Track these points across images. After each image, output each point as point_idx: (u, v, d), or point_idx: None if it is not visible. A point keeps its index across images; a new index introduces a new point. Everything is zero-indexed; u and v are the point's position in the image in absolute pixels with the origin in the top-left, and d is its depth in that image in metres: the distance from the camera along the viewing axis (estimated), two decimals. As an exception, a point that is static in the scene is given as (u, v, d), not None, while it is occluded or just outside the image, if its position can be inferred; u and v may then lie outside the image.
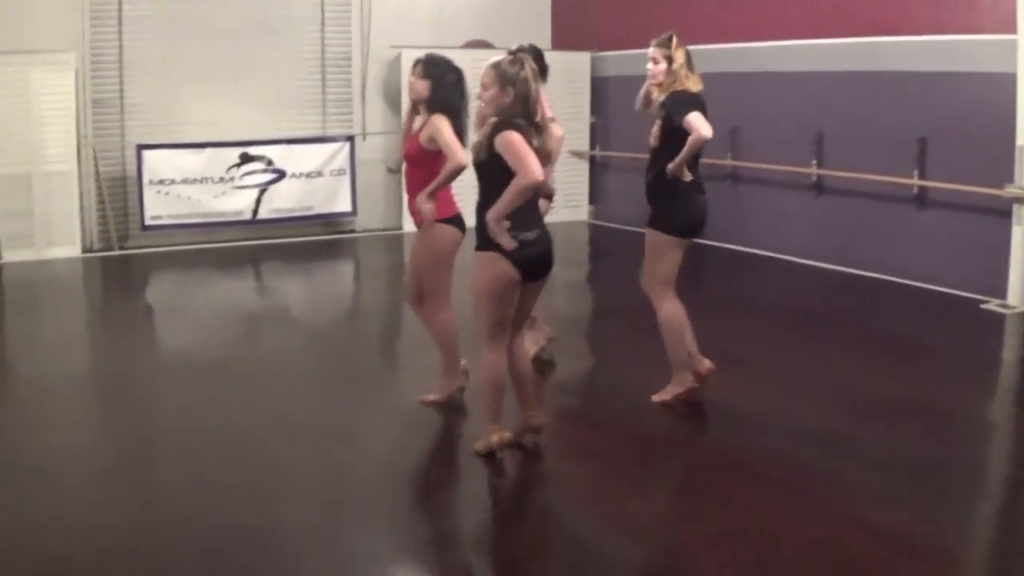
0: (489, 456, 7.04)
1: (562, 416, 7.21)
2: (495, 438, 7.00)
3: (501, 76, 6.55)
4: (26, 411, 8.24)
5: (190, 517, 6.15)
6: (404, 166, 8.07)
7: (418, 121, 7.99)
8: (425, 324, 8.16)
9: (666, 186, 7.95)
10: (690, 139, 7.72)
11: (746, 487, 6.68)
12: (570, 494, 6.70)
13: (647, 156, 8.21)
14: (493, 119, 6.60)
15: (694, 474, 7.13)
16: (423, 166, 7.82)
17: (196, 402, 8.36)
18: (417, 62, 8.02)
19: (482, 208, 6.68)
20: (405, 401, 8.38)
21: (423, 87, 7.86)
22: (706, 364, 8.20)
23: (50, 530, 5.95)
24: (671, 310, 8.05)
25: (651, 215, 8.07)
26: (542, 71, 9.07)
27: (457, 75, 8.00)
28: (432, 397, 8.14)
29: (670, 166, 7.79)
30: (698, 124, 7.74)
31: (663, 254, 8.02)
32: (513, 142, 6.46)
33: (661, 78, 8.14)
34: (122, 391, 8.90)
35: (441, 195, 7.71)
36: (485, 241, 6.63)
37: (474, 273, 6.73)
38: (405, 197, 8.49)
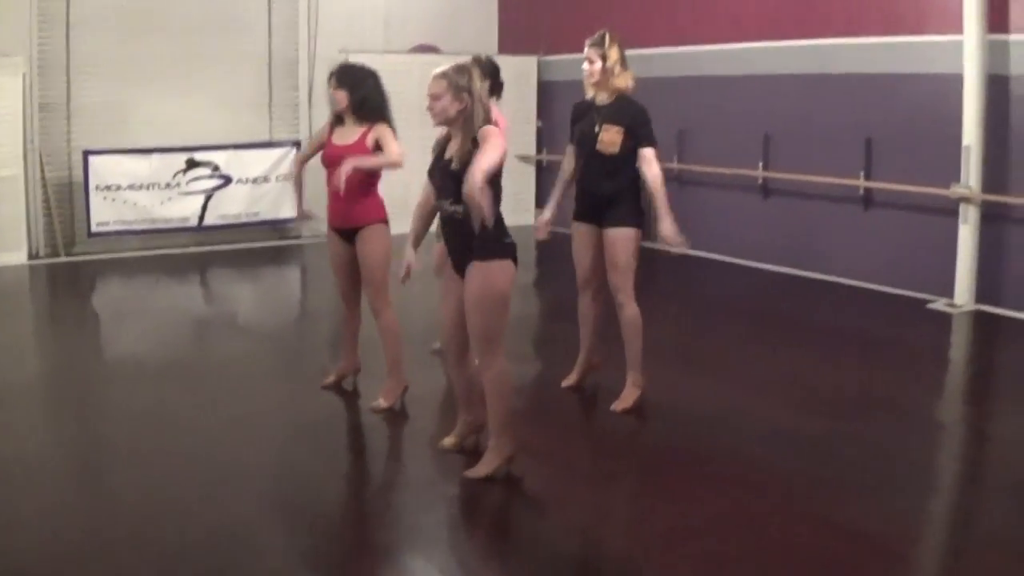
0: (446, 461, 7.06)
1: (514, 418, 7.19)
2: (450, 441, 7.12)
3: (453, 85, 6.50)
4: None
5: (148, 520, 6.10)
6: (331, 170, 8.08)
7: (347, 130, 8.14)
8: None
9: (631, 191, 8.03)
10: (656, 179, 7.98)
11: (703, 486, 6.72)
12: (527, 495, 6.70)
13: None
14: (466, 129, 6.52)
15: (651, 474, 7.13)
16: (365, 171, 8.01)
17: (148, 406, 8.30)
18: (331, 74, 8.15)
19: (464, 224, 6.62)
20: (358, 402, 8.43)
21: (342, 97, 8.02)
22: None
23: (3, 538, 5.89)
24: (637, 309, 8.13)
25: (617, 216, 8.09)
26: (498, 86, 9.20)
27: (374, 79, 8.17)
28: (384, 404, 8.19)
29: (666, 228, 7.96)
30: (655, 160, 7.99)
31: (637, 251, 8.12)
32: (496, 132, 6.45)
33: (598, 77, 8.13)
34: (73, 396, 8.82)
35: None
36: (496, 250, 6.56)
37: (489, 282, 6.60)
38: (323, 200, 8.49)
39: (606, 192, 8.10)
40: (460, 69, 6.57)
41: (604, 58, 8.14)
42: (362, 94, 8.03)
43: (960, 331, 11.00)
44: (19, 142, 14.53)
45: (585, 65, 8.22)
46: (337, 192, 7.98)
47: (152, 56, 15.65)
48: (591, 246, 8.27)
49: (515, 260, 6.58)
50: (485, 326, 6.56)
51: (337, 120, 8.21)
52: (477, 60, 8.68)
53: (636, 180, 8.06)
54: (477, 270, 6.51)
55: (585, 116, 8.28)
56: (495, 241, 6.49)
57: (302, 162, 8.90)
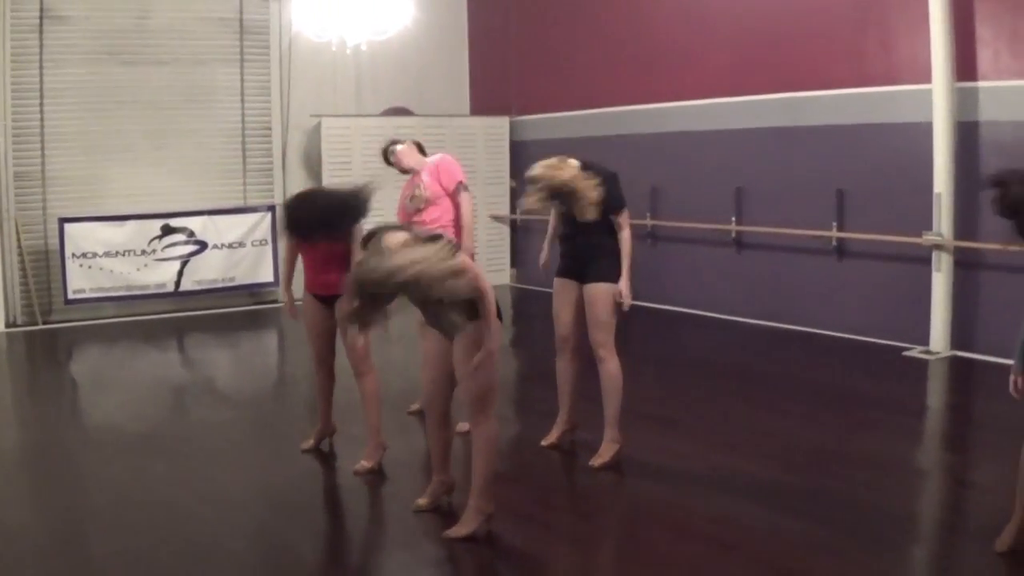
0: (424, 521, 7.05)
1: (495, 478, 7.19)
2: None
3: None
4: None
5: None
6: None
7: None
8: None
9: (608, 245, 8.09)
10: (626, 242, 8.15)
11: (683, 544, 6.70)
12: (507, 557, 6.68)
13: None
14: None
15: (630, 533, 7.10)
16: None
17: (127, 476, 8.24)
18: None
19: None
20: (337, 469, 8.44)
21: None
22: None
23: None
24: (618, 364, 8.17)
25: (598, 271, 8.15)
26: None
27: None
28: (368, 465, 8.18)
29: (625, 287, 8.10)
30: (627, 222, 8.22)
31: (615, 307, 8.13)
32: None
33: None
34: (51, 466, 8.76)
35: None
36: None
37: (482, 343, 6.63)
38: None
39: (588, 247, 8.18)
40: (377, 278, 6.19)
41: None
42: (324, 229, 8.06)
43: (937, 378, 11.03)
44: (-5, 211, 14.53)
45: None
46: (316, 261, 8.06)
47: (127, 126, 15.78)
48: (571, 302, 8.30)
49: (500, 315, 6.58)
50: (480, 387, 6.57)
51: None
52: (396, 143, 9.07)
53: (615, 237, 8.13)
54: (469, 334, 6.52)
55: None
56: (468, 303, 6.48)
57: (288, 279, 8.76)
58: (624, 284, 8.06)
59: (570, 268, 8.32)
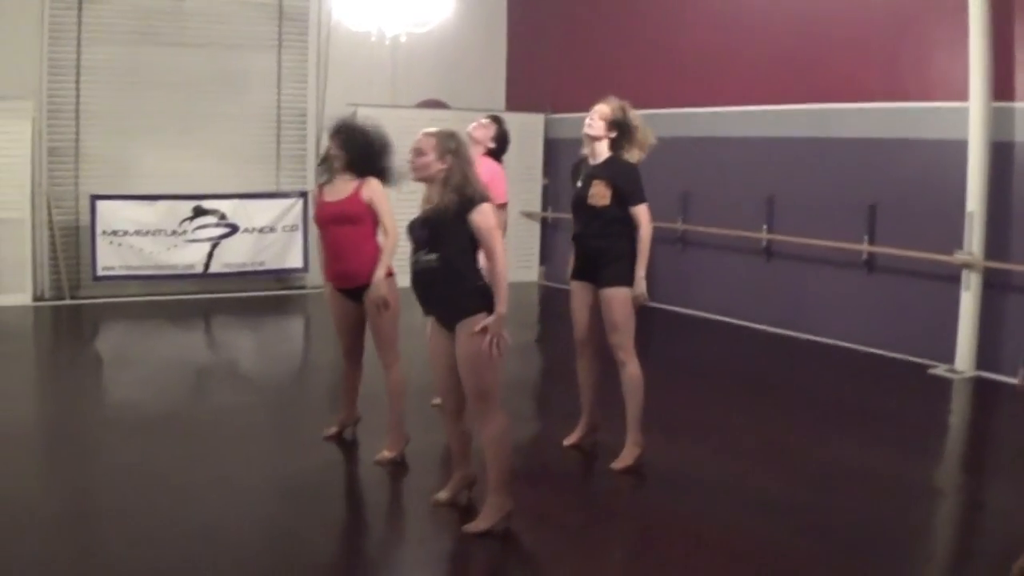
0: (442, 515, 7.08)
1: (512, 475, 7.19)
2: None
3: (440, 145, 6.56)
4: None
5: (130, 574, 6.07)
6: (327, 230, 8.25)
7: (338, 184, 8.21)
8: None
9: (626, 249, 8.05)
10: (645, 239, 8.06)
11: (693, 553, 6.71)
12: (521, 555, 6.70)
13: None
14: (461, 190, 6.58)
15: (643, 539, 7.11)
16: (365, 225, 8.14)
17: (143, 456, 8.27)
18: (330, 135, 8.26)
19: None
20: (355, 459, 8.48)
21: (338, 155, 8.17)
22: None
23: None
24: (639, 367, 8.17)
25: (613, 275, 8.10)
26: (504, 145, 9.35)
27: (367, 134, 8.33)
28: (388, 455, 8.20)
29: (638, 284, 8.05)
30: (648, 217, 8.11)
31: (633, 310, 8.13)
32: (492, 218, 6.56)
33: (598, 133, 8.17)
34: (67, 443, 8.78)
35: None
36: (478, 302, 6.61)
37: (478, 337, 6.62)
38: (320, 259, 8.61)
39: (599, 249, 8.14)
40: (450, 134, 6.66)
41: (605, 119, 8.16)
42: (358, 152, 8.12)
43: (960, 397, 10.99)
44: (27, 185, 14.66)
45: (591, 116, 8.34)
46: (336, 252, 8.06)
47: (162, 106, 15.83)
48: (587, 304, 8.31)
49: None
50: (479, 382, 6.60)
51: (326, 177, 8.31)
52: (500, 122, 8.97)
53: (631, 239, 8.09)
54: (465, 327, 6.56)
55: (577, 171, 8.45)
56: (474, 290, 6.59)
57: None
58: (639, 284, 8.03)
59: (584, 270, 8.29)
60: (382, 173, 8.18)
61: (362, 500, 7.76)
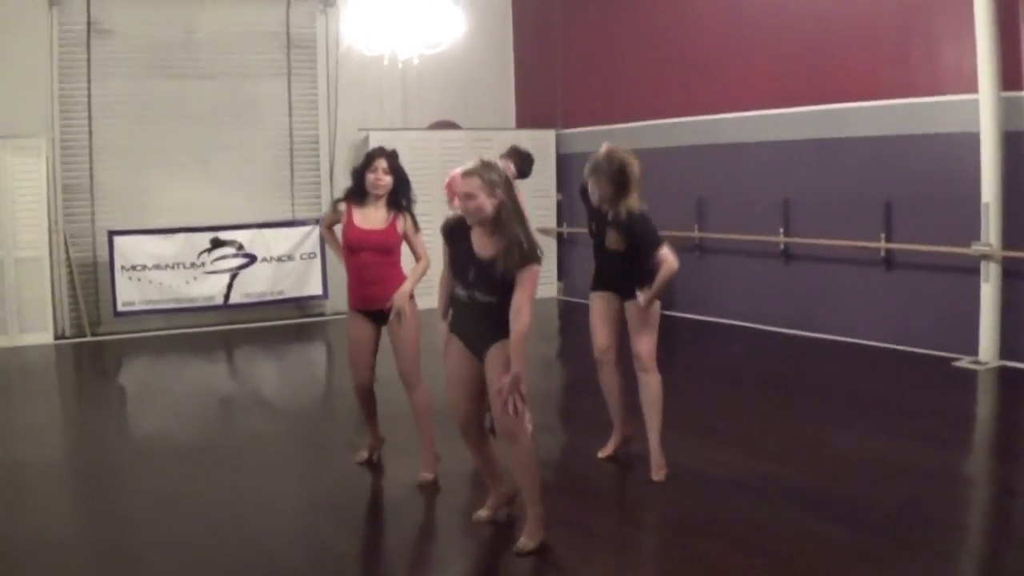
0: (474, 532, 7.11)
1: (551, 491, 7.19)
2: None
3: (486, 182, 6.52)
4: (4, 497, 8.12)
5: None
6: (360, 255, 8.23)
7: (370, 212, 8.22)
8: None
9: (645, 268, 8.06)
10: (668, 273, 7.92)
11: (728, 552, 6.71)
12: (559, 566, 6.67)
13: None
14: (520, 245, 6.51)
15: (676, 540, 7.12)
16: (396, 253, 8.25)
17: (177, 488, 8.25)
18: (379, 155, 8.24)
19: None
20: (387, 480, 8.51)
21: (388, 182, 8.19)
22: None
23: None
24: (659, 377, 8.18)
25: (638, 287, 8.11)
26: (527, 168, 9.35)
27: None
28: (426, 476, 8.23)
29: (644, 300, 8.03)
30: (670, 256, 7.96)
31: (658, 318, 8.16)
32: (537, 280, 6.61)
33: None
34: (100, 478, 8.80)
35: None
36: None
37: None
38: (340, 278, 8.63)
39: (621, 272, 8.17)
40: (488, 165, 6.64)
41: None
42: (403, 187, 8.23)
43: (986, 388, 10.99)
44: (44, 223, 14.73)
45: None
46: (368, 278, 8.12)
47: (175, 138, 15.91)
48: (609, 316, 8.32)
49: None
50: (508, 394, 6.58)
51: (354, 197, 8.29)
52: (516, 150, 8.93)
53: (648, 265, 8.09)
54: (497, 348, 6.59)
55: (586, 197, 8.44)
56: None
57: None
58: (646, 297, 8.03)
59: (608, 282, 8.30)
60: (410, 208, 8.28)
61: (401, 519, 7.71)
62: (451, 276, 6.84)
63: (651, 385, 8.15)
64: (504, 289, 6.51)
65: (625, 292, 8.17)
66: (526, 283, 6.46)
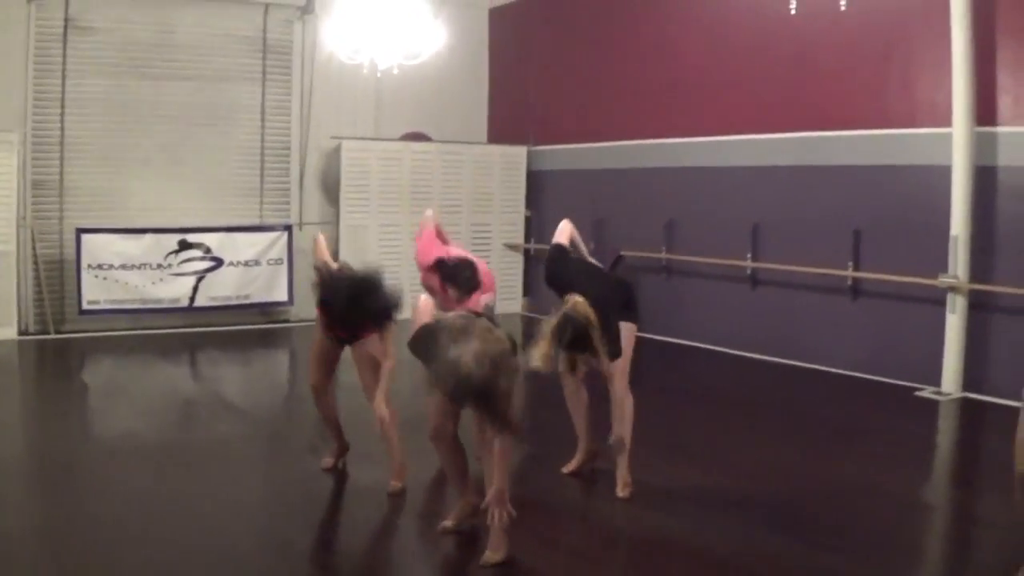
0: (448, 540, 7.15)
1: (517, 505, 7.21)
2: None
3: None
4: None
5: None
6: None
7: None
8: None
9: (628, 285, 8.13)
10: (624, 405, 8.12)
11: (694, 569, 6.79)
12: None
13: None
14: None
15: (654, 559, 7.10)
16: None
17: (140, 487, 8.24)
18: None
19: None
20: (352, 486, 8.51)
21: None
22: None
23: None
24: (631, 399, 8.21)
25: (624, 311, 8.12)
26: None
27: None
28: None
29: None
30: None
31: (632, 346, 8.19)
32: None
33: None
34: (65, 473, 8.77)
35: None
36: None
37: None
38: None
39: (611, 287, 8.28)
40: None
41: None
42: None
43: (948, 418, 11.06)
44: (12, 218, 14.65)
45: None
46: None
47: (148, 138, 15.92)
48: None
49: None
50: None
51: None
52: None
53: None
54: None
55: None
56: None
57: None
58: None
59: None
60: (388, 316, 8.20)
61: (366, 525, 7.70)
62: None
63: (620, 405, 8.14)
64: None
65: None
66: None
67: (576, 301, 7.59)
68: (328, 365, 8.53)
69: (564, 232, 8.43)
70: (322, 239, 8.80)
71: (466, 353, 6.13)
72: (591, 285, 7.89)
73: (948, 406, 11.34)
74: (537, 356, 7.48)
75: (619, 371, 8.04)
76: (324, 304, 8.22)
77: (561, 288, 8.01)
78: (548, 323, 7.60)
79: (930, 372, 11.86)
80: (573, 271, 8.23)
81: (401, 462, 8.19)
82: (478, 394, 6.16)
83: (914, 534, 7.58)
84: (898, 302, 12.38)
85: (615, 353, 7.81)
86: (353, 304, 7.98)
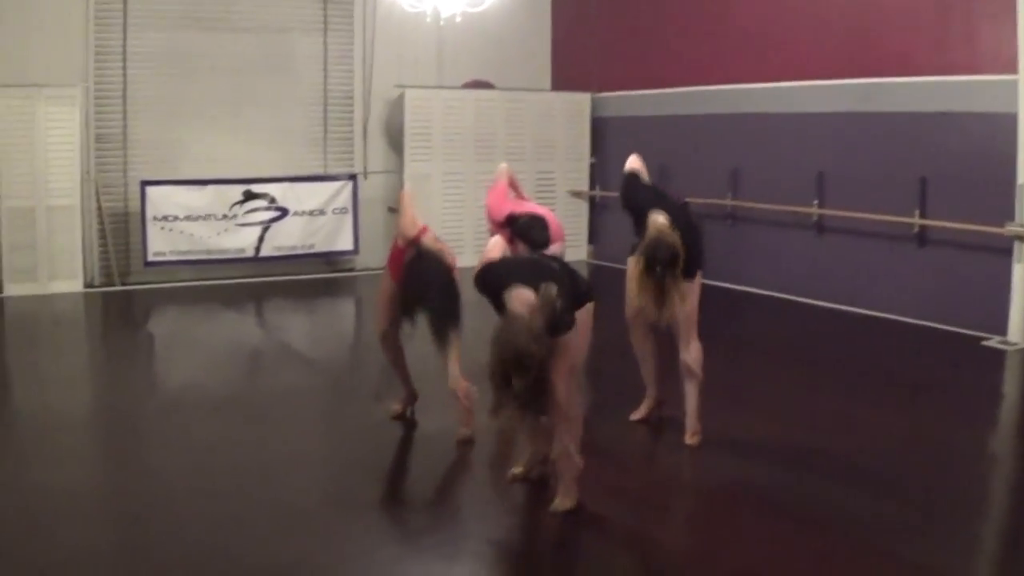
0: (516, 488, 7.20)
1: (585, 453, 7.22)
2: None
3: None
4: (35, 446, 8.20)
5: (216, 555, 6.11)
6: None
7: None
8: None
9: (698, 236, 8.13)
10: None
11: (766, 521, 6.76)
12: (597, 528, 6.71)
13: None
14: None
15: (714, 509, 7.15)
16: None
17: (206, 439, 8.32)
18: None
19: None
20: (419, 435, 8.56)
21: None
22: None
23: (73, 569, 5.91)
24: (700, 347, 8.26)
25: (697, 261, 8.11)
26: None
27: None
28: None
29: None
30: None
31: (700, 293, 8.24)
32: None
33: None
34: (132, 426, 8.86)
35: None
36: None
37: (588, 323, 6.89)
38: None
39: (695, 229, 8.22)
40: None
41: None
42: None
43: (1014, 368, 10.95)
44: (76, 172, 14.74)
45: None
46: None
47: (209, 90, 15.96)
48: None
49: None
50: (576, 360, 6.73)
51: None
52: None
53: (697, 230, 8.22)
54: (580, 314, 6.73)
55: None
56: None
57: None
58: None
59: None
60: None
61: (433, 475, 7.75)
62: None
63: (690, 354, 8.16)
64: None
65: None
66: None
67: (658, 221, 7.73)
68: (396, 311, 8.48)
69: (634, 162, 8.42)
70: (408, 193, 8.80)
71: (523, 327, 6.14)
72: (666, 206, 7.97)
73: (1014, 356, 11.22)
74: (633, 290, 7.73)
75: (689, 320, 8.10)
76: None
77: (638, 209, 8.08)
78: (634, 260, 7.75)
79: (996, 321, 11.74)
80: (649, 195, 8.25)
81: (468, 408, 8.18)
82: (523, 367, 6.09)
83: (981, 485, 7.55)
84: (964, 250, 12.26)
85: (690, 273, 7.87)
86: (418, 302, 8.12)
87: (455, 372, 8.02)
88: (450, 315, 8.06)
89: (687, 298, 7.85)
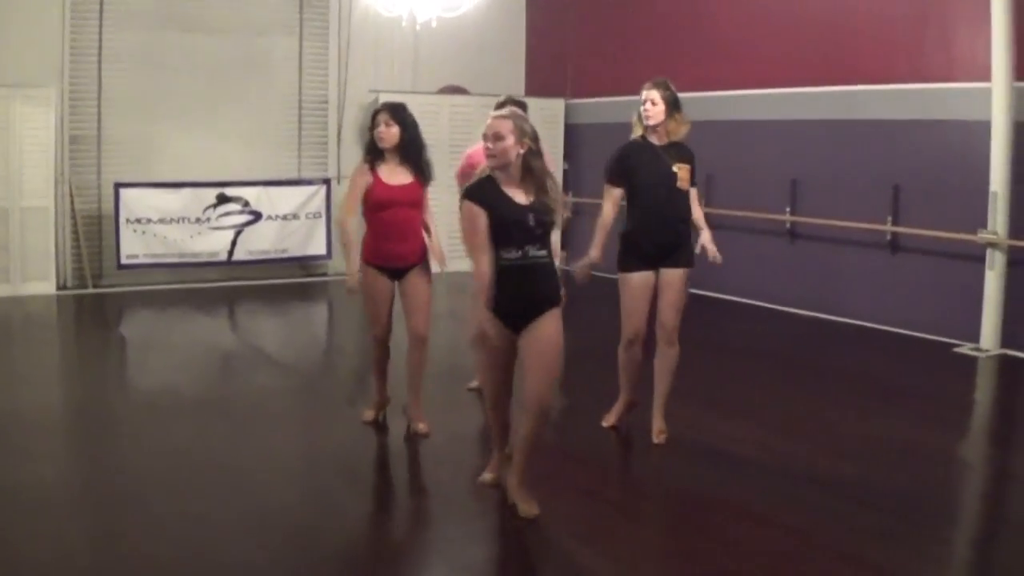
0: (487, 493, 7.14)
1: (552, 455, 7.23)
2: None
3: (518, 128, 6.44)
4: (8, 448, 8.09)
5: (190, 556, 6.09)
6: (389, 211, 8.26)
7: (392, 168, 8.31)
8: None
9: (688, 228, 8.21)
10: (702, 216, 8.48)
11: (737, 523, 6.76)
12: (570, 533, 6.68)
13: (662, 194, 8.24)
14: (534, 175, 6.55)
15: (687, 512, 7.16)
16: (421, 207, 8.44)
17: (179, 440, 8.30)
18: (383, 109, 8.36)
19: None
20: (392, 438, 8.51)
21: (395, 133, 8.26)
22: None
23: (53, 566, 5.91)
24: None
25: (683, 256, 8.24)
26: None
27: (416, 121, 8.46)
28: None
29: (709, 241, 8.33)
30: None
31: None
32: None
33: (659, 119, 8.20)
34: (103, 427, 8.84)
35: None
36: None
37: (561, 325, 6.73)
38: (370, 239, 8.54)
39: (681, 232, 8.25)
40: (523, 116, 6.63)
41: (667, 101, 8.15)
42: (411, 134, 8.27)
43: (986, 375, 11.03)
44: (50, 173, 14.70)
45: (647, 105, 8.25)
46: (397, 233, 8.26)
47: (185, 92, 15.88)
48: (648, 297, 8.24)
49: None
50: (556, 364, 6.69)
51: (374, 157, 8.31)
52: (512, 100, 8.87)
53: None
54: (554, 316, 6.65)
55: (642, 156, 8.29)
56: (558, 280, 6.71)
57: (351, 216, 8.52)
58: (709, 238, 8.40)
59: (652, 257, 8.20)
60: (427, 165, 8.40)
61: (408, 478, 7.79)
62: (494, 245, 6.48)
63: (671, 356, 8.28)
64: (545, 239, 6.58)
65: (669, 260, 8.20)
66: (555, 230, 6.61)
67: None
68: (388, 308, 8.43)
69: None
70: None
71: None
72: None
73: (986, 363, 11.30)
74: (637, 310, 8.16)
75: (676, 315, 8.30)
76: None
77: (625, 175, 8.33)
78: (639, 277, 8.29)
79: (968, 328, 11.81)
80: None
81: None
82: None
83: (951, 491, 7.60)
84: (937, 258, 12.32)
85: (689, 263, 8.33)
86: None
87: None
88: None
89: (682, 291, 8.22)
